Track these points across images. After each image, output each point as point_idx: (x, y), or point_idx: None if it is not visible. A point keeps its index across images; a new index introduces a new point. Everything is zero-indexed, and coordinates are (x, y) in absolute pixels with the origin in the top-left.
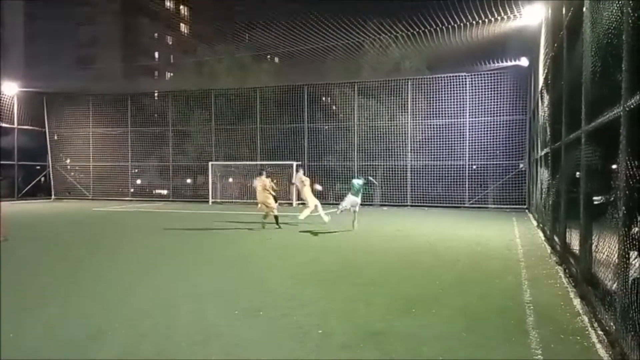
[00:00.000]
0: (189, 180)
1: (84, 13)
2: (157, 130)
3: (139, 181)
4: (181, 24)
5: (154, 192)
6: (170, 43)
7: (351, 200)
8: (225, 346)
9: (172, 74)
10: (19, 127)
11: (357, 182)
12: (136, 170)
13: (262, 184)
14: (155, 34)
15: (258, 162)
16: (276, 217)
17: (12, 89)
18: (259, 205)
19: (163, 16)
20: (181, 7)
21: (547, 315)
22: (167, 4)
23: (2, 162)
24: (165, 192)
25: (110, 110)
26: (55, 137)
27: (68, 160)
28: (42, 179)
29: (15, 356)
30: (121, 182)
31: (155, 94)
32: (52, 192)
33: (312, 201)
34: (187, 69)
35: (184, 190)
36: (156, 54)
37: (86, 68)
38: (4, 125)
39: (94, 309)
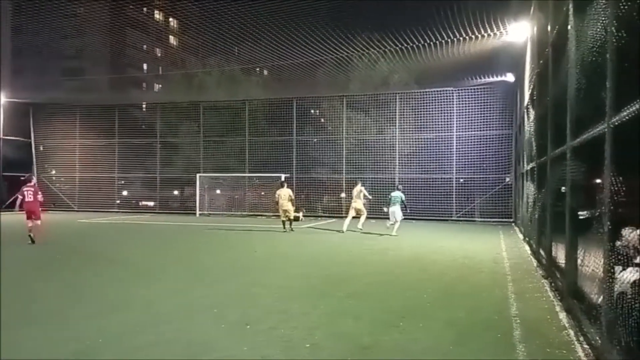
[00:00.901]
0: (176, 192)
1: (71, 25)
2: (144, 141)
3: (125, 193)
4: (170, 36)
5: (140, 203)
6: (159, 55)
7: (392, 210)
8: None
9: (160, 86)
10: (4, 137)
11: (396, 194)
12: (123, 182)
13: (285, 193)
14: (144, 46)
15: (246, 175)
16: (291, 222)
17: None
18: (281, 212)
19: (152, 28)
20: (170, 19)
21: (534, 329)
22: (156, 16)
23: None
24: (152, 204)
25: (98, 121)
26: (41, 148)
27: (53, 172)
28: None
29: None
30: (107, 193)
31: (144, 106)
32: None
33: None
34: (176, 81)
35: (171, 202)
36: (144, 66)
37: (74, 79)
38: None
39: (80, 324)
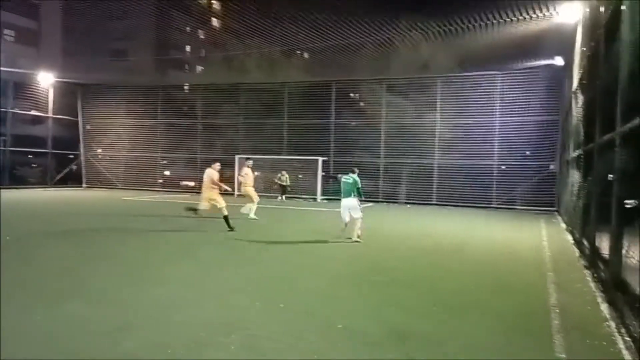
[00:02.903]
0: None
1: (118, 7)
2: (186, 122)
3: (167, 172)
4: (213, 18)
5: (181, 183)
6: (202, 37)
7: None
8: (245, 337)
9: (202, 68)
10: (54, 116)
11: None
12: (165, 162)
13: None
14: (187, 28)
15: (284, 157)
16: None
17: (47, 79)
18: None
19: (195, 10)
20: (213, 1)
21: (573, 320)
22: None
23: (36, 150)
24: (192, 184)
25: (142, 102)
26: (88, 127)
27: (99, 150)
28: (74, 167)
29: (15, 356)
30: (150, 172)
31: (186, 87)
32: (83, 180)
33: None
34: (218, 62)
35: None
36: (187, 48)
37: (119, 60)
38: (39, 114)
39: (121, 297)
